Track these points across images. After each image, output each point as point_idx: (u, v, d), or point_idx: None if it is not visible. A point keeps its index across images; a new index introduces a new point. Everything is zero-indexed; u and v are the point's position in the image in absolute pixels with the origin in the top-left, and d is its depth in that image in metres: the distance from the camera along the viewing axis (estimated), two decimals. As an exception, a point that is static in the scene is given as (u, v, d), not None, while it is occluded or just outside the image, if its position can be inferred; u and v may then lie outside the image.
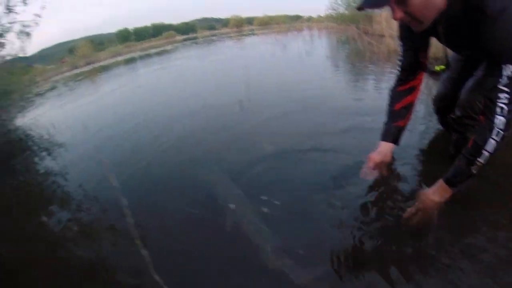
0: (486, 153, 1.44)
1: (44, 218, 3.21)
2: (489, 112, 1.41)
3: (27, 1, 4.55)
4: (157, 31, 54.05)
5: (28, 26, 4.36)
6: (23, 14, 4.43)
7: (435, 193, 1.60)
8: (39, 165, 4.61)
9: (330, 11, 20.12)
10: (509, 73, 1.34)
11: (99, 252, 2.48)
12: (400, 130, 2.02)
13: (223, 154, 3.59)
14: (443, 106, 2.53)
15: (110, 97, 8.85)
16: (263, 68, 8.11)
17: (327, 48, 12.31)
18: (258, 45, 15.36)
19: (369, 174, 2.03)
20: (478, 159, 1.47)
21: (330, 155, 3.09)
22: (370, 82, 5.82)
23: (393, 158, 2.17)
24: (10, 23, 4.35)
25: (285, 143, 3.53)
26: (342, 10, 18.34)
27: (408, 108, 2.01)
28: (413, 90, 1.99)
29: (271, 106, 5.00)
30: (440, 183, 1.60)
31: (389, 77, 5.67)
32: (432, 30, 1.60)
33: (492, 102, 1.41)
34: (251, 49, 13.92)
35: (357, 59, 8.42)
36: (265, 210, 2.42)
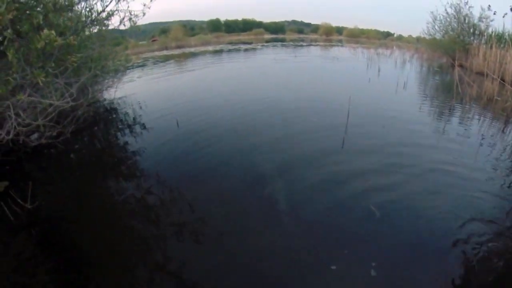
0: None
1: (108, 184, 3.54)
2: None
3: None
4: (246, 26, 54.48)
5: (136, 16, 4.53)
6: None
7: None
8: (118, 138, 4.88)
9: (425, 35, 19.39)
10: None
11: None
12: None
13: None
14: None
15: (193, 80, 9.12)
16: (362, 96, 7.62)
17: (422, 80, 11.62)
18: (349, 61, 14.98)
19: None
20: None
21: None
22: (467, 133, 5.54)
23: None
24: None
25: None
26: (438, 36, 17.54)
27: None
28: None
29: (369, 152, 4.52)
30: None
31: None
32: None
33: None
34: (343, 65, 13.64)
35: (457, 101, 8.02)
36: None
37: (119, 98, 6.52)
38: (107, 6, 4.24)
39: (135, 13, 4.70)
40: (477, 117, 6.38)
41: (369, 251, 2.49)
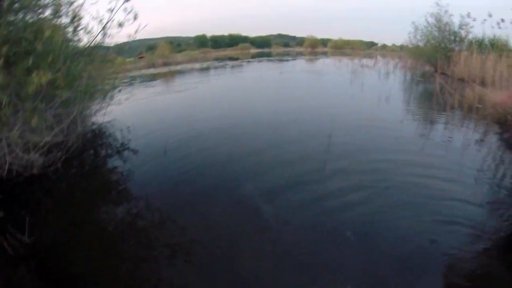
0: None
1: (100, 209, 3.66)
2: None
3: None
4: (233, 41, 54.81)
5: (125, 21, 4.71)
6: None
7: None
8: (107, 163, 4.98)
9: (408, 44, 19.80)
10: None
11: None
12: None
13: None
14: None
15: (180, 99, 9.24)
16: (344, 112, 7.51)
17: (405, 91, 11.92)
18: (333, 75, 15.09)
19: None
20: None
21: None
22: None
23: None
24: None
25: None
26: (420, 44, 17.91)
27: None
28: None
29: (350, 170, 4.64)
30: None
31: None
32: None
33: None
34: (327, 80, 13.77)
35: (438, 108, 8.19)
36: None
37: (108, 122, 6.59)
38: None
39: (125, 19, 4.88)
40: (457, 126, 6.59)
41: (348, 271, 2.62)
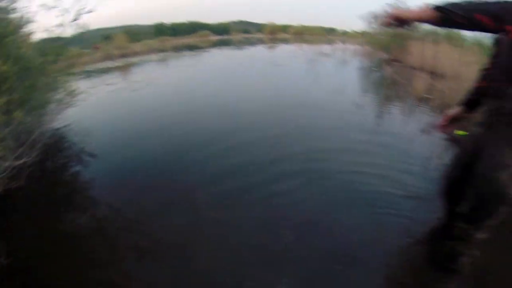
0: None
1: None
2: None
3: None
4: (192, 28, 54.20)
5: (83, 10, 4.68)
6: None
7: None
8: (69, 171, 4.96)
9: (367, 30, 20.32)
10: None
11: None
12: (478, 92, 2.16)
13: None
14: (449, 180, 2.50)
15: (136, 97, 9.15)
16: (296, 107, 7.36)
17: (359, 80, 12.11)
18: (289, 64, 15.19)
19: (441, 129, 2.42)
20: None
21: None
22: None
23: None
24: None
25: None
26: (378, 33, 18.43)
27: None
28: None
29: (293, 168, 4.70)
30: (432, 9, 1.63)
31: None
32: None
33: None
34: (283, 71, 13.86)
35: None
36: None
37: (66, 126, 6.48)
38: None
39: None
40: (402, 117, 6.88)
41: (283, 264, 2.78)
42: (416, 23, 1.62)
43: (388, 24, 1.72)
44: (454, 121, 2.31)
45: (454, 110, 2.29)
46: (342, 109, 7.02)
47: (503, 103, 1.75)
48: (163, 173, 4.47)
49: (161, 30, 51.62)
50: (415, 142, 5.17)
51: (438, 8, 1.56)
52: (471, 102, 2.22)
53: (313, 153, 4.82)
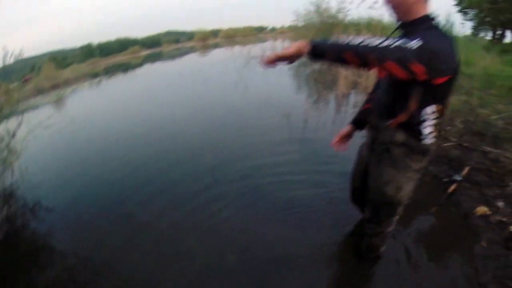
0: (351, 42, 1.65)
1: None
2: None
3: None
4: (122, 45, 53.26)
5: None
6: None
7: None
8: (26, 228, 4.79)
9: (295, 22, 20.97)
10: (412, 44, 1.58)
11: None
12: (364, 113, 2.43)
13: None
14: (354, 190, 2.82)
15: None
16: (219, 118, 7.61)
17: (288, 77, 12.25)
18: (218, 73, 15.20)
19: (336, 146, 2.62)
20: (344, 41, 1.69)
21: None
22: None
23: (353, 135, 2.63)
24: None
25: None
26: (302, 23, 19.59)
27: None
28: None
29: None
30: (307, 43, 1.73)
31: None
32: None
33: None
34: (211, 79, 13.91)
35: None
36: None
37: (13, 183, 6.11)
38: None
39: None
40: (325, 112, 7.25)
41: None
42: (298, 58, 1.80)
43: (271, 64, 1.82)
44: (346, 138, 2.61)
45: (345, 128, 2.60)
46: (269, 121, 6.95)
47: (377, 134, 2.09)
48: (119, 209, 4.48)
49: (89, 52, 50.38)
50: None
51: (313, 44, 1.70)
52: (359, 122, 2.51)
53: (244, 169, 4.92)
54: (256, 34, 49.44)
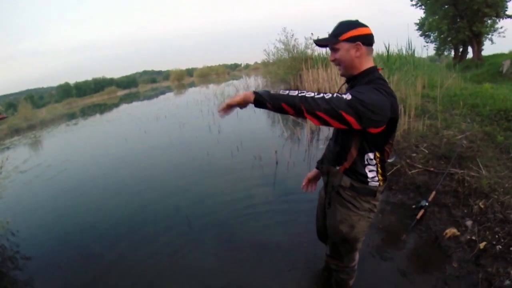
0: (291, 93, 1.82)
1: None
2: None
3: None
4: (98, 85, 53.46)
5: None
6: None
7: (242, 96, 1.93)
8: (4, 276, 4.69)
9: (266, 59, 21.61)
10: (348, 96, 1.76)
11: None
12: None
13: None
14: (319, 229, 2.95)
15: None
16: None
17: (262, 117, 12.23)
18: (194, 108, 15.27)
19: (305, 187, 2.76)
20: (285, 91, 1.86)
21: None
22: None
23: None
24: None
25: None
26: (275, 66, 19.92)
27: None
28: None
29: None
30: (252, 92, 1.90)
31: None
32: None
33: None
34: (187, 113, 13.92)
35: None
36: None
37: None
38: None
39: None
40: (297, 149, 7.44)
41: None
42: (245, 105, 1.98)
43: (225, 112, 2.01)
44: (313, 180, 2.78)
45: (312, 172, 2.76)
46: (242, 163, 6.95)
47: (329, 179, 2.28)
48: (93, 251, 4.41)
49: (66, 91, 50.06)
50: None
51: (256, 94, 1.88)
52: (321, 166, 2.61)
53: (217, 211, 4.96)
54: (230, 71, 50.07)
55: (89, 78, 56.21)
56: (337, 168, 2.16)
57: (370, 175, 2.06)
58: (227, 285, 3.30)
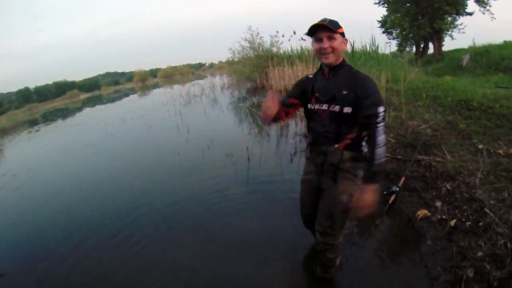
0: (378, 158, 2.14)
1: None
2: (372, 133, 2.16)
3: None
4: (60, 89, 52.27)
5: None
6: None
7: (367, 193, 2.19)
8: None
9: (232, 57, 21.46)
10: (381, 110, 2.16)
11: None
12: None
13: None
14: (306, 216, 3.02)
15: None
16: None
17: (229, 118, 11.85)
18: (161, 109, 15.27)
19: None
20: (375, 161, 2.14)
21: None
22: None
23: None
24: None
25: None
26: (238, 59, 20.22)
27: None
28: (279, 118, 2.63)
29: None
30: (364, 186, 2.22)
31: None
32: (318, 79, 2.49)
33: (374, 126, 2.16)
34: (153, 115, 13.79)
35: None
36: None
37: None
38: None
39: None
40: (267, 145, 7.57)
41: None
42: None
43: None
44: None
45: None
46: (214, 161, 6.98)
47: (326, 158, 2.50)
48: (75, 261, 4.32)
49: (26, 96, 48.80)
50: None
51: (376, 183, 2.24)
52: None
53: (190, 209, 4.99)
54: (194, 71, 49.79)
55: (50, 82, 54.98)
56: (336, 146, 2.42)
57: (363, 145, 2.40)
58: (212, 282, 3.31)
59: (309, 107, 2.53)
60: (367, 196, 2.18)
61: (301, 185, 2.88)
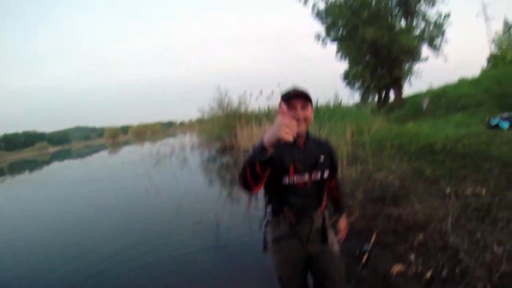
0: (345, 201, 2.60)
1: None
2: (338, 186, 2.65)
3: None
4: (29, 139, 51.78)
5: None
6: None
7: (343, 222, 2.75)
8: None
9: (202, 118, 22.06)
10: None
11: None
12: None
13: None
14: None
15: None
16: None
17: (200, 177, 11.47)
18: (130, 168, 15.15)
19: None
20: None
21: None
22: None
23: None
24: None
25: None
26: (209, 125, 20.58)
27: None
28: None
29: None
30: (340, 220, 2.73)
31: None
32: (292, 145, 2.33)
33: (337, 181, 2.57)
34: (122, 174, 13.62)
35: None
36: None
37: None
38: None
39: None
40: (236, 209, 7.32)
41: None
42: None
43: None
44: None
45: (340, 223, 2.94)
46: (182, 229, 6.51)
47: (312, 225, 2.45)
48: None
49: (-5, 143, 48.09)
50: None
51: None
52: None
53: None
54: (165, 129, 50.00)
55: (19, 130, 54.44)
56: (319, 209, 2.44)
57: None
58: None
59: (285, 181, 2.24)
60: (344, 223, 2.76)
61: (282, 268, 2.50)
